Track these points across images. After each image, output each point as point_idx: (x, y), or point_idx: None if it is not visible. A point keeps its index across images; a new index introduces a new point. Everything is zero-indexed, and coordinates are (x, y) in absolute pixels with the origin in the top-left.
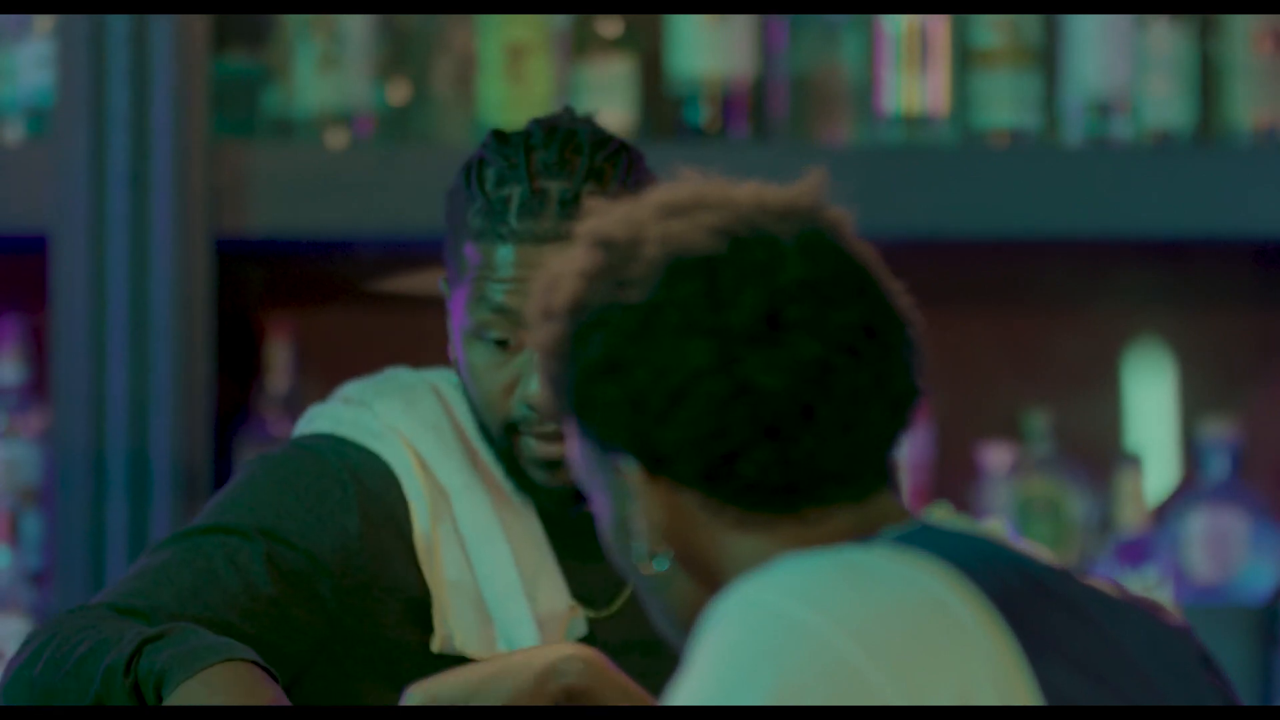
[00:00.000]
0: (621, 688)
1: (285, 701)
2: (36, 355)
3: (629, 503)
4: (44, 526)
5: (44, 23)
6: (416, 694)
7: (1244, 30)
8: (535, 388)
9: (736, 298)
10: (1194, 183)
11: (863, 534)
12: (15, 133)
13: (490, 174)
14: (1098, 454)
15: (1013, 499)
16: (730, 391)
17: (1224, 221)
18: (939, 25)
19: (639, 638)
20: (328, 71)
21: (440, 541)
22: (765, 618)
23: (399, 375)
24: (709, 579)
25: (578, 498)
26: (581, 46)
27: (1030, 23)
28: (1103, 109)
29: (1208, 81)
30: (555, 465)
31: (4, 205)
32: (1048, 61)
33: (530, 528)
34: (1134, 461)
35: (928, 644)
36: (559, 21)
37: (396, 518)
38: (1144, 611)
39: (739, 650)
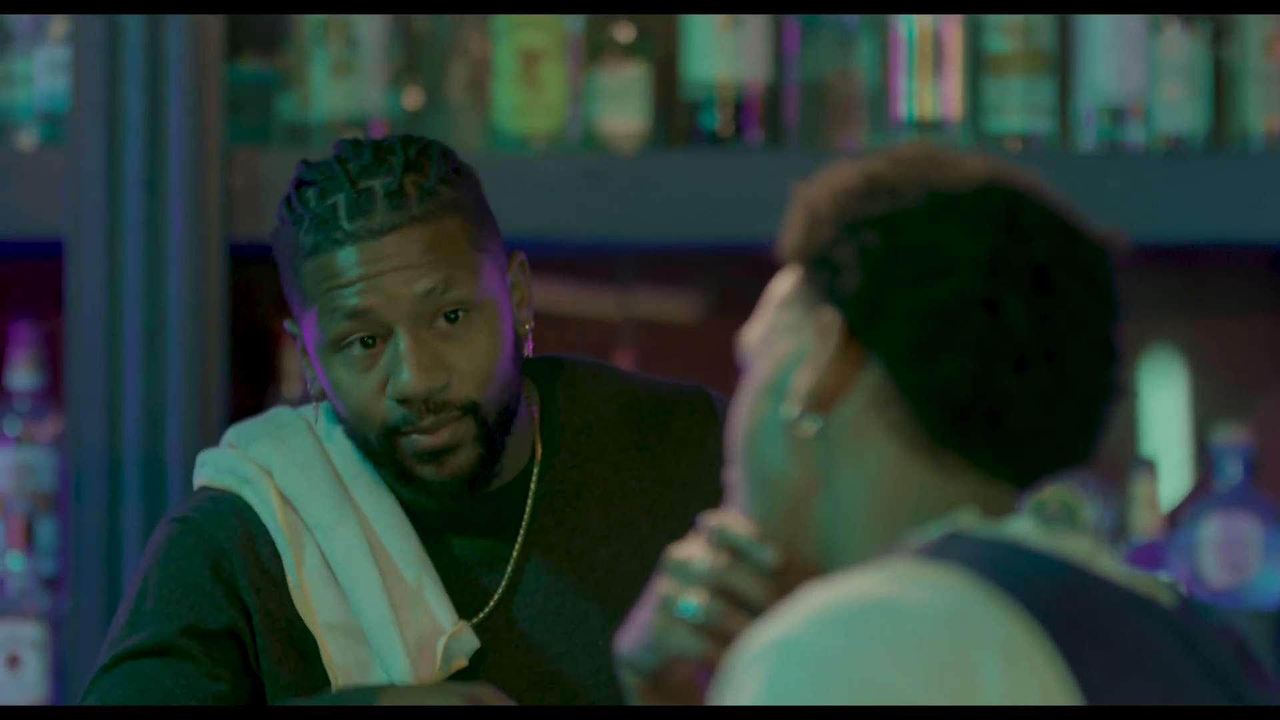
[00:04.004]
0: None
1: None
2: (51, 360)
3: (802, 362)
4: (58, 532)
5: (59, 28)
6: None
7: (1257, 35)
8: (406, 376)
9: (1032, 236)
10: (1207, 188)
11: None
12: (30, 138)
13: (311, 192)
14: (1112, 459)
15: (1026, 504)
16: (979, 297)
17: (1237, 227)
18: (953, 30)
19: (536, 633)
20: (342, 77)
21: (309, 587)
22: (798, 652)
23: (278, 414)
24: (830, 470)
25: (471, 485)
26: (596, 52)
27: (1043, 28)
28: (1116, 114)
29: (1221, 87)
30: (440, 455)
31: (19, 211)
32: (1061, 67)
33: (406, 550)
34: (1148, 467)
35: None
36: (573, 27)
37: (273, 575)
38: (1182, 613)
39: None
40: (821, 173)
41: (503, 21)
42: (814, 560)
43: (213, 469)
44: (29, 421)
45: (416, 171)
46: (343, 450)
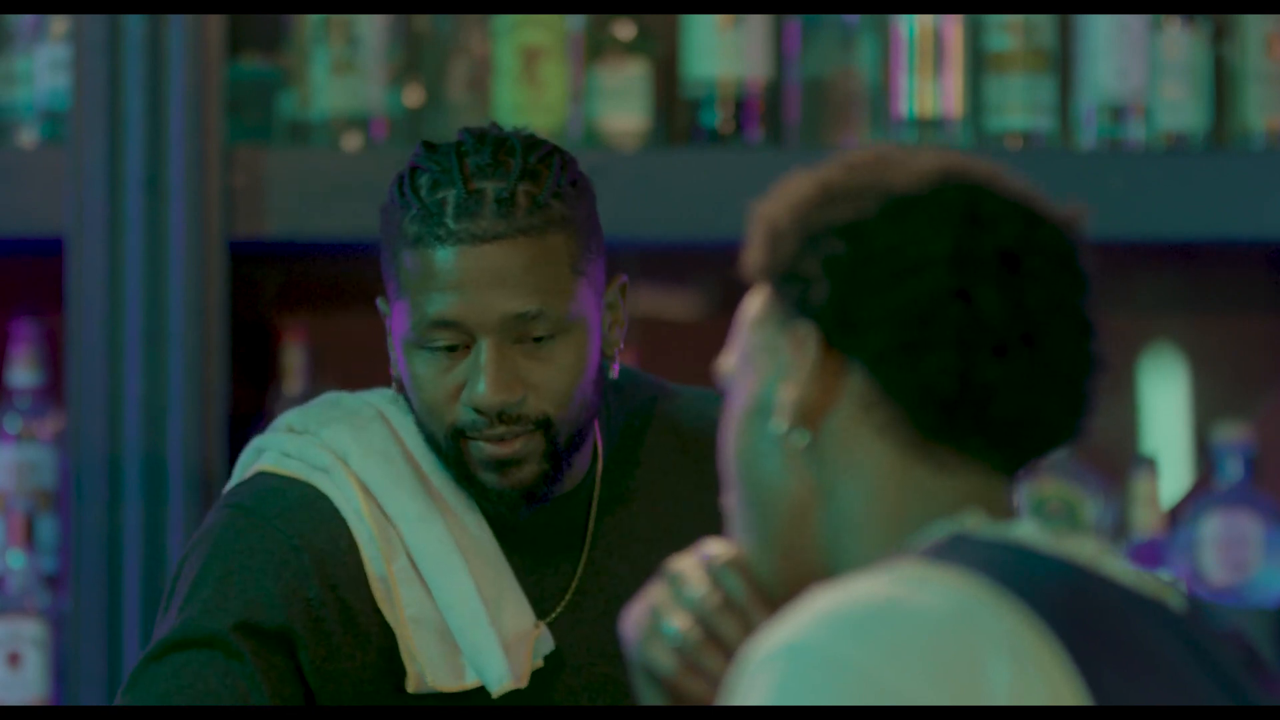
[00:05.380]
0: None
1: None
2: (52, 358)
3: (782, 378)
4: (59, 530)
5: (59, 27)
6: None
7: (1258, 34)
8: (483, 389)
9: (995, 224)
10: (1208, 187)
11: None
12: (31, 137)
13: (424, 180)
14: (1112, 457)
15: (1027, 502)
16: (951, 290)
17: (1238, 225)
18: (953, 29)
19: (598, 637)
20: (343, 75)
21: (397, 580)
22: (806, 656)
23: (342, 400)
24: (825, 477)
25: (528, 499)
26: (596, 50)
27: (1044, 26)
28: (1116, 112)
29: (1221, 85)
30: (505, 465)
31: (20, 209)
32: (1062, 65)
33: (486, 547)
34: (1149, 465)
35: (973, 665)
36: (574, 25)
37: (350, 568)
38: (1189, 616)
39: (784, 689)
40: (775, 188)
41: (503, 20)
42: (821, 571)
43: (276, 454)
44: (30, 419)
45: (532, 181)
46: (418, 443)
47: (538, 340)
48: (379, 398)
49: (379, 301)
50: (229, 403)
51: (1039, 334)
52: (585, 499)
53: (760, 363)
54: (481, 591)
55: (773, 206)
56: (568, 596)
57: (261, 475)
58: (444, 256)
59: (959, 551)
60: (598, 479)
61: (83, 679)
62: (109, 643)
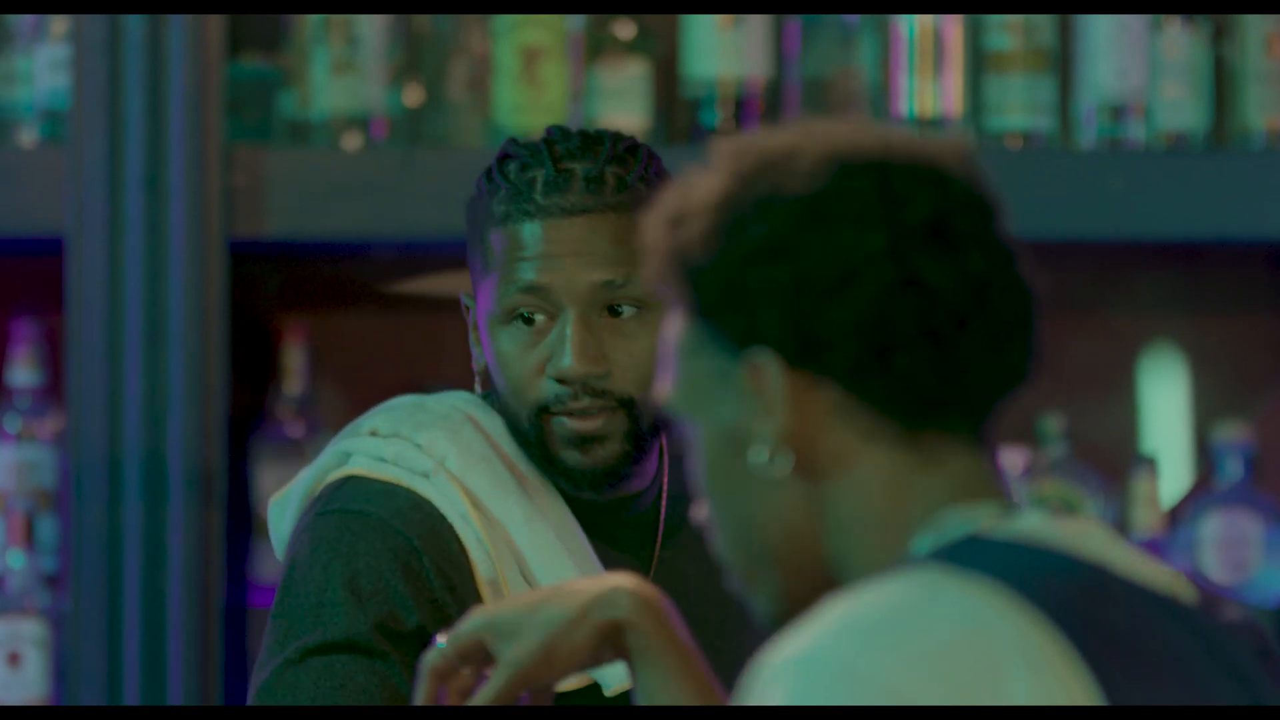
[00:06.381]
0: (668, 629)
1: None
2: (52, 358)
3: (748, 409)
4: (59, 529)
5: (59, 26)
6: (476, 618)
7: (1258, 34)
8: (568, 360)
9: (910, 198)
10: (1208, 186)
11: (968, 495)
12: (31, 136)
13: (513, 165)
14: (1112, 457)
15: (1028, 502)
16: (900, 281)
17: (1238, 225)
18: (953, 28)
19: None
20: (343, 75)
21: (508, 583)
22: (819, 667)
23: (426, 404)
24: (818, 492)
25: (610, 479)
26: (596, 50)
27: (1044, 26)
28: (1116, 112)
29: (1221, 85)
30: (588, 442)
31: (20, 208)
32: (1062, 65)
33: (583, 546)
34: (1148, 465)
35: (991, 676)
36: (574, 25)
37: (463, 571)
38: (1201, 610)
39: (798, 700)
40: (665, 218)
41: (503, 20)
42: (828, 583)
43: (369, 459)
44: (30, 419)
45: (619, 165)
46: (509, 444)
47: (622, 316)
48: (462, 400)
49: (462, 295)
50: (229, 403)
51: (986, 288)
52: (655, 497)
53: (712, 394)
54: None
55: (677, 237)
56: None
57: (358, 480)
58: (531, 230)
59: (972, 554)
60: (665, 476)
61: (83, 679)
62: (109, 643)
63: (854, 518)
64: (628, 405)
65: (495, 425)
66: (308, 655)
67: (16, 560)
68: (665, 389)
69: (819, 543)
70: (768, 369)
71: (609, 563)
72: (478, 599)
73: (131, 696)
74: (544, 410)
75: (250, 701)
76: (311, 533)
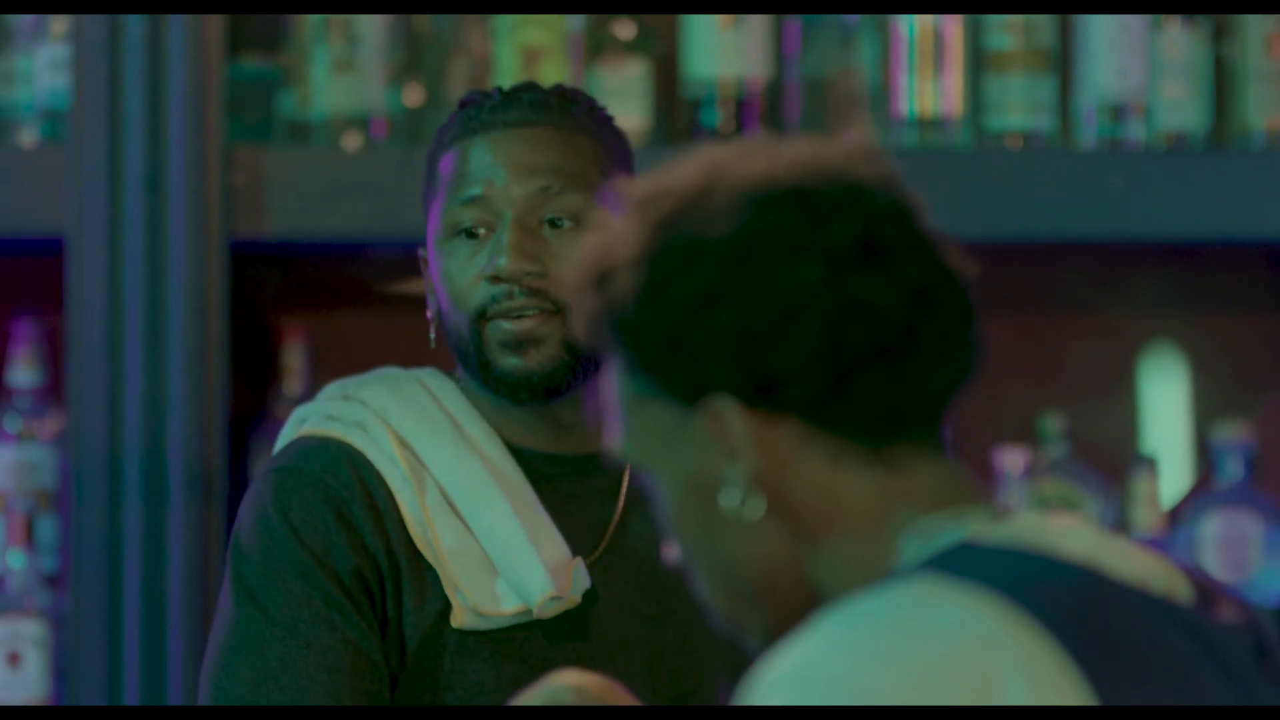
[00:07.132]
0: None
1: None
2: (52, 358)
3: (712, 455)
4: (59, 529)
5: (59, 26)
6: None
7: (1258, 34)
8: (503, 260)
9: (834, 221)
10: (1208, 186)
11: (946, 501)
12: (31, 136)
13: (467, 105)
14: (1112, 457)
15: (1028, 502)
16: (842, 308)
17: (1238, 225)
18: (953, 28)
19: (627, 597)
20: (343, 75)
21: (431, 514)
22: (816, 681)
23: (385, 370)
24: (797, 525)
25: (548, 383)
26: (596, 49)
27: (1044, 26)
28: (1116, 112)
29: (1222, 85)
30: (524, 345)
31: (20, 209)
32: (1062, 65)
33: (523, 490)
34: (1148, 465)
35: (989, 688)
36: (574, 25)
37: (391, 516)
38: (1196, 610)
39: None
40: (588, 277)
41: (504, 20)
42: (818, 606)
43: (318, 418)
44: (30, 419)
45: (568, 99)
46: (454, 400)
47: (561, 228)
48: (424, 371)
49: (419, 251)
50: (229, 402)
51: (926, 293)
52: (619, 462)
53: (669, 444)
54: (521, 518)
55: (604, 295)
56: (597, 553)
57: (301, 438)
58: (477, 145)
59: (966, 563)
60: None
61: (83, 679)
62: (109, 643)
63: (835, 543)
64: (566, 312)
65: (447, 390)
66: (270, 611)
67: (16, 560)
68: (615, 442)
69: (802, 572)
70: (726, 414)
71: (563, 522)
72: (406, 539)
73: (131, 696)
74: (481, 316)
75: (212, 657)
76: (251, 493)
